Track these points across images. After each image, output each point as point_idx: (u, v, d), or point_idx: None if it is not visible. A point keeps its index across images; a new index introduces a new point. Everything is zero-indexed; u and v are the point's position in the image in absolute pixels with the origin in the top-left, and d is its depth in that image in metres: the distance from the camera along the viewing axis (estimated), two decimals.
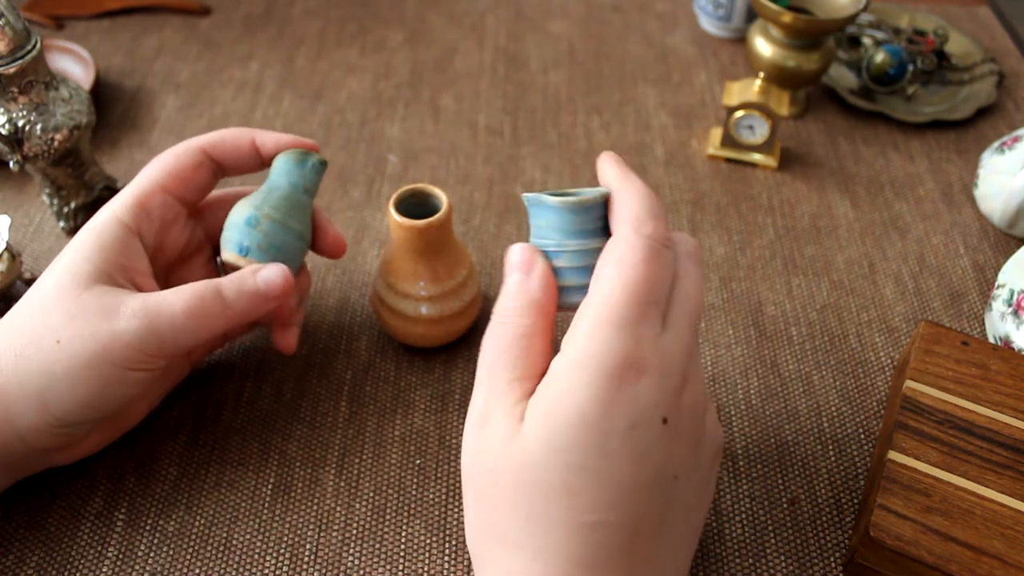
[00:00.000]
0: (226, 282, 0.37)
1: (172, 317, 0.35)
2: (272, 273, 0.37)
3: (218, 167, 0.41)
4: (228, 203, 0.43)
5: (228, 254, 0.39)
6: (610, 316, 0.28)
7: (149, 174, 0.39)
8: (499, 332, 0.30)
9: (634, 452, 0.27)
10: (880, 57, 0.64)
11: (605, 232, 0.31)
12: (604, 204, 0.31)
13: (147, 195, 0.38)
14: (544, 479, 0.27)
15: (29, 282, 0.47)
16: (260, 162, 0.41)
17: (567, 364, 0.28)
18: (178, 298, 0.35)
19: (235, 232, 0.38)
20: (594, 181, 0.58)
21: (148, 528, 0.39)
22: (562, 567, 0.27)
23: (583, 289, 0.31)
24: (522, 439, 0.27)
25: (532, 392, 0.28)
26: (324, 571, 0.37)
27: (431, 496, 0.40)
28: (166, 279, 0.41)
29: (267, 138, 0.41)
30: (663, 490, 0.28)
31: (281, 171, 0.40)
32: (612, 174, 0.32)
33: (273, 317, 0.42)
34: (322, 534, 0.39)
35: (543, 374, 0.29)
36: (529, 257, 0.31)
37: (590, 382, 0.27)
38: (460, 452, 0.42)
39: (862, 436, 0.43)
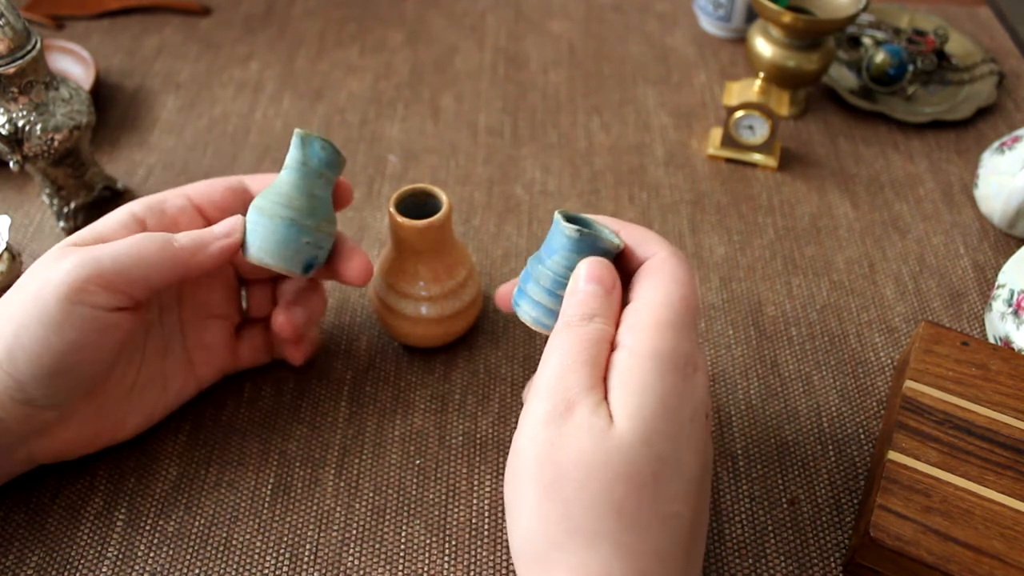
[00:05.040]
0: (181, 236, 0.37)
1: (113, 247, 0.35)
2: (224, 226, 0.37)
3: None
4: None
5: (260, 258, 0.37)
6: (673, 320, 0.31)
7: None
8: (587, 330, 0.31)
9: (695, 444, 0.29)
10: (880, 57, 0.64)
11: None
12: (617, 254, 0.34)
13: (167, 205, 0.38)
14: (636, 471, 0.28)
15: None
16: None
17: (644, 363, 0.30)
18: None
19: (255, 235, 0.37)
20: (591, 182, 0.58)
21: (148, 528, 0.39)
22: (641, 559, 0.28)
23: (552, 313, 0.34)
24: (616, 433, 0.28)
25: (607, 393, 0.30)
26: (324, 571, 0.37)
27: (431, 496, 0.40)
28: (181, 299, 0.41)
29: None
30: (705, 484, 0.30)
31: (289, 156, 0.38)
32: (620, 224, 0.35)
33: (283, 335, 0.42)
34: (322, 534, 0.39)
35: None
36: (612, 276, 0.33)
37: (666, 377, 0.29)
38: (459, 452, 0.42)
39: (862, 436, 0.43)
